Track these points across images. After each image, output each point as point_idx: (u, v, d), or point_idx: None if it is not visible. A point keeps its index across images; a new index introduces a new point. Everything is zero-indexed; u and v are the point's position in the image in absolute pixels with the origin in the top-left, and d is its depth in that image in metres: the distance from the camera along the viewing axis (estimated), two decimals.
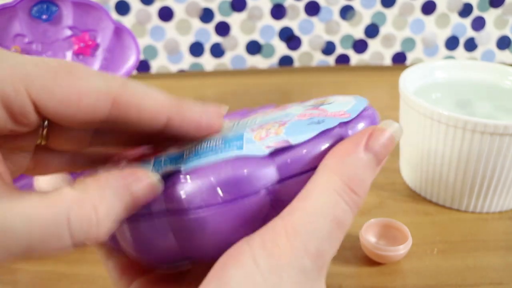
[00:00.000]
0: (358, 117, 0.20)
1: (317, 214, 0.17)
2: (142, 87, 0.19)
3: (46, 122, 0.19)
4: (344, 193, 0.17)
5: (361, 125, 0.20)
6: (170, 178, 0.19)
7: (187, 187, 0.18)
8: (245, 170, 0.18)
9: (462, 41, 0.70)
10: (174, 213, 0.18)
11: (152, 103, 0.19)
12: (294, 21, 0.69)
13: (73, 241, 0.16)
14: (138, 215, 0.18)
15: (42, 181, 0.41)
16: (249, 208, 0.18)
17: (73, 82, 0.17)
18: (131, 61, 0.42)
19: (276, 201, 0.18)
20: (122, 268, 0.22)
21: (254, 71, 0.71)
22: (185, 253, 0.19)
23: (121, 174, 0.18)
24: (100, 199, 0.16)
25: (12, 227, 0.15)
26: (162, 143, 0.23)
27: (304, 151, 0.18)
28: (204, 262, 0.19)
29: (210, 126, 0.20)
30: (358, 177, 0.17)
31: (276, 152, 0.18)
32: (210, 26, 0.68)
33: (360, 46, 0.71)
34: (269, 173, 0.18)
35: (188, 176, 0.18)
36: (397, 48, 0.71)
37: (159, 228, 0.19)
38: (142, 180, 0.18)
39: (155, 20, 0.67)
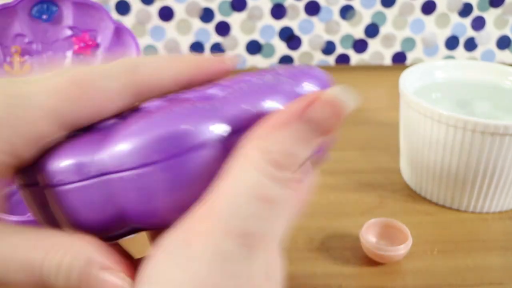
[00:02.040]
0: (305, 75, 0.19)
1: (238, 194, 0.15)
2: (152, 62, 0.19)
3: None
4: (265, 170, 0.15)
5: (307, 86, 0.18)
6: (100, 137, 0.18)
7: (117, 148, 0.17)
8: (182, 126, 0.16)
9: (462, 41, 0.70)
10: (106, 174, 0.17)
11: (171, 73, 0.19)
12: (294, 21, 0.69)
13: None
14: (71, 181, 0.17)
15: None
16: (192, 165, 0.16)
17: (89, 102, 0.17)
18: None
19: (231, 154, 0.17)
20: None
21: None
22: (127, 219, 0.18)
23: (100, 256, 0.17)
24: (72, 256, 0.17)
25: None
26: None
27: (247, 104, 0.17)
28: (155, 229, 0.18)
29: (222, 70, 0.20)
30: (285, 151, 0.15)
31: (222, 107, 0.17)
32: (210, 26, 0.68)
33: (360, 46, 0.71)
34: (212, 127, 0.16)
35: (118, 136, 0.17)
36: (397, 48, 0.71)
37: (93, 192, 0.17)
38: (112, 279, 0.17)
39: (155, 20, 0.67)
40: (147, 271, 0.16)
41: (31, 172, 0.18)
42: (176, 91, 0.19)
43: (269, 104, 0.17)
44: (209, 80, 0.19)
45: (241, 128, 0.17)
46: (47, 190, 0.18)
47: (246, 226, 0.15)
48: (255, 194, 0.15)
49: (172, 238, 0.16)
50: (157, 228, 0.18)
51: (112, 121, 0.18)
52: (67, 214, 0.18)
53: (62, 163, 0.17)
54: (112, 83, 0.18)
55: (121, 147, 0.17)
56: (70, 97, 0.17)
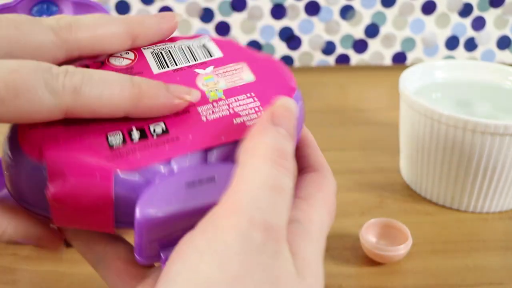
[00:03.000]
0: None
1: (256, 187, 0.17)
2: (98, 86, 0.19)
3: None
4: (274, 163, 0.17)
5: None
6: None
7: None
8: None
9: (462, 41, 0.70)
10: None
11: (108, 103, 0.19)
12: (294, 21, 0.69)
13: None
14: None
15: None
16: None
17: (20, 107, 0.18)
18: None
19: None
20: (117, 274, 0.22)
21: None
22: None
23: None
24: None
25: None
26: None
27: None
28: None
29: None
30: (279, 147, 0.18)
31: None
32: (210, 26, 0.68)
33: (360, 46, 0.71)
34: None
35: None
36: (397, 48, 0.71)
37: None
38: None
39: None
40: (175, 268, 0.16)
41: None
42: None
43: None
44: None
45: None
46: None
47: (268, 217, 0.16)
48: (269, 184, 0.17)
49: (198, 236, 0.16)
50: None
51: None
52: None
53: None
54: (46, 98, 0.18)
55: None
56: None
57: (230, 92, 0.22)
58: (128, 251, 0.22)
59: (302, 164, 0.23)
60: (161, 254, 0.19)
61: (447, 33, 0.70)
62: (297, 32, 0.70)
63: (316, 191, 0.21)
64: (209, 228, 0.16)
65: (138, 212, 0.17)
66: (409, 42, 0.70)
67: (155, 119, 0.20)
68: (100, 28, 0.21)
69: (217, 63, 0.23)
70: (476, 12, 0.68)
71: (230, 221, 0.16)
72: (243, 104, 0.21)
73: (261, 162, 0.17)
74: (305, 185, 0.21)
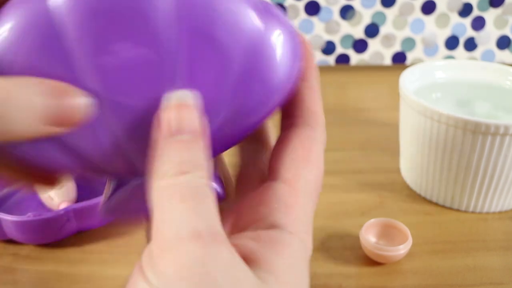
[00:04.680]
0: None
1: (169, 210, 0.16)
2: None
3: None
4: (174, 182, 0.16)
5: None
6: None
7: None
8: None
9: (462, 41, 0.70)
10: None
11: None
12: (294, 21, 0.69)
13: None
14: None
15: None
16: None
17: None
18: None
19: None
20: None
21: None
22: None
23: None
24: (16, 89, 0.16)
25: None
26: None
27: None
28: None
29: None
30: (175, 162, 0.17)
31: None
32: None
33: (360, 46, 0.71)
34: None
35: None
36: (397, 48, 0.71)
37: None
38: (74, 96, 0.17)
39: None
40: None
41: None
42: None
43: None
44: None
45: None
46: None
47: (191, 225, 0.16)
48: (179, 198, 0.16)
49: (139, 271, 0.16)
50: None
51: None
52: None
53: None
54: None
55: None
56: None
57: None
58: None
59: (292, 111, 0.21)
60: None
61: (447, 33, 0.70)
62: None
63: (303, 168, 0.19)
64: (151, 262, 0.16)
65: None
66: (409, 42, 0.70)
67: None
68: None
69: None
70: (476, 12, 0.68)
71: (166, 248, 0.15)
72: None
73: (166, 185, 0.16)
74: (290, 156, 0.20)
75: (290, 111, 0.21)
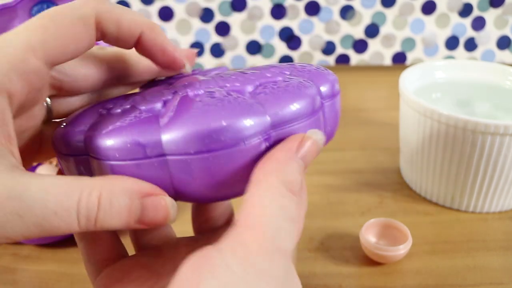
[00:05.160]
0: (322, 79, 0.23)
1: (278, 218, 0.18)
2: (118, 6, 0.21)
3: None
4: (286, 195, 0.18)
5: (324, 89, 0.22)
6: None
7: (174, 134, 0.19)
8: (224, 122, 0.19)
9: (462, 41, 0.70)
10: (162, 156, 0.19)
11: (129, 17, 0.21)
12: (294, 21, 0.69)
13: (78, 223, 0.17)
14: (130, 159, 0.19)
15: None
16: (232, 157, 0.19)
17: (65, 33, 0.19)
18: None
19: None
20: (90, 252, 0.24)
21: None
22: (174, 195, 0.20)
23: (139, 184, 0.19)
24: (109, 192, 0.18)
25: (30, 197, 0.16)
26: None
27: (279, 107, 0.20)
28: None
29: (174, 56, 0.23)
30: (294, 180, 0.19)
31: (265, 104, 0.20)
32: (210, 26, 0.68)
33: (360, 46, 0.71)
34: (260, 122, 0.19)
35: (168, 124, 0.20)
36: (397, 48, 0.71)
37: (149, 170, 0.20)
38: (159, 202, 0.19)
39: (155, 20, 0.67)
40: (206, 282, 0.16)
41: (79, 143, 0.20)
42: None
43: (296, 107, 0.20)
44: (157, 54, 0.23)
45: (275, 127, 0.20)
46: (100, 163, 0.20)
47: (287, 246, 0.18)
48: (289, 216, 0.18)
49: (229, 255, 0.17)
50: (199, 202, 0.21)
51: (155, 103, 0.21)
52: None
53: (122, 142, 0.19)
54: (77, 11, 0.20)
55: (177, 134, 0.19)
56: (47, 31, 0.19)
57: None
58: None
59: None
60: None
61: (447, 33, 0.70)
62: (297, 32, 0.70)
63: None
64: (238, 248, 0.17)
65: None
66: (409, 42, 0.70)
67: None
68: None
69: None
70: (476, 12, 0.68)
71: (259, 245, 0.17)
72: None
73: (280, 191, 0.18)
74: None
75: None
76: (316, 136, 0.20)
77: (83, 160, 0.21)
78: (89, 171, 0.21)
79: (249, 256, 0.17)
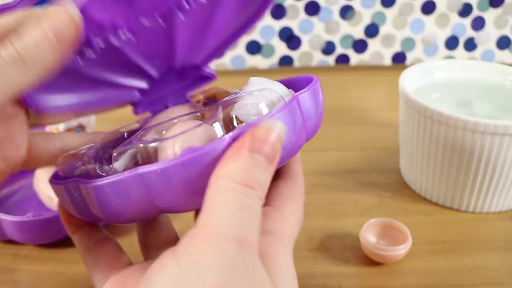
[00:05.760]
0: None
1: (224, 208, 0.18)
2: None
3: None
4: (238, 189, 0.19)
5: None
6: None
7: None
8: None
9: (462, 41, 0.70)
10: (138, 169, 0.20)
11: None
12: (294, 21, 0.69)
13: None
14: (103, 176, 0.21)
15: (41, 183, 0.41)
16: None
17: None
18: None
19: None
20: (96, 262, 0.25)
21: (254, 71, 0.71)
22: (155, 207, 0.21)
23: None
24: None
25: None
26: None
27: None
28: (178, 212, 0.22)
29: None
30: (248, 174, 0.19)
31: None
32: None
33: (360, 46, 0.71)
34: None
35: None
36: (397, 48, 0.71)
37: (128, 185, 0.20)
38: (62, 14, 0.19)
39: None
40: (157, 276, 0.18)
41: (65, 169, 0.22)
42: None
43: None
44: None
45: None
46: (84, 186, 0.21)
47: (237, 231, 0.18)
48: (238, 205, 0.18)
49: (180, 253, 0.18)
50: (179, 212, 0.22)
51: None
52: (100, 205, 0.21)
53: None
54: None
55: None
56: None
57: None
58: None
59: (280, 170, 0.25)
60: None
61: (447, 33, 0.70)
62: (297, 32, 0.70)
63: (288, 201, 0.24)
64: (189, 248, 0.18)
65: None
66: (409, 42, 0.70)
67: None
68: None
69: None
70: (476, 12, 0.68)
71: (208, 240, 0.18)
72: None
73: (228, 188, 0.19)
74: (278, 193, 0.24)
75: (277, 170, 0.24)
76: (268, 123, 0.20)
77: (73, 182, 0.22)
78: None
79: (198, 250, 0.18)
